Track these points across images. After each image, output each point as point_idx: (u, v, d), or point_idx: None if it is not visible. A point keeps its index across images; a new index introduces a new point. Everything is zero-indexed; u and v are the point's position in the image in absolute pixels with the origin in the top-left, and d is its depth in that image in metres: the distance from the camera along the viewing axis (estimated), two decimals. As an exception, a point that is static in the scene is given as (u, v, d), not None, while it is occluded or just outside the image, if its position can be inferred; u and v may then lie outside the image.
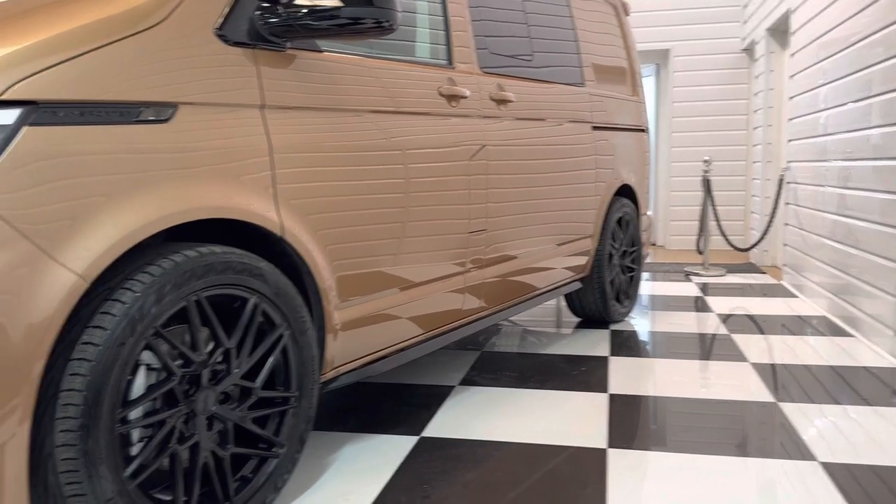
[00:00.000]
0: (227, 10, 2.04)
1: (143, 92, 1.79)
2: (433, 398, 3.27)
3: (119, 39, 1.77)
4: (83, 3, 1.81)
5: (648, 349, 4.10)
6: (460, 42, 3.09)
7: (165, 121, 1.84)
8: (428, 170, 2.77)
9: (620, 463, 2.55)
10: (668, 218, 8.89)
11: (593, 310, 4.61)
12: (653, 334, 4.48)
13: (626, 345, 4.20)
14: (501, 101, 3.29)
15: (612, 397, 3.25)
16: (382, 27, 2.19)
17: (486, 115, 3.18)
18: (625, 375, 3.58)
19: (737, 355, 3.95)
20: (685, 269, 6.98)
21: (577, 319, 4.87)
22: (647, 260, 7.63)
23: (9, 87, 1.56)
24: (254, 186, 2.05)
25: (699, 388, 3.38)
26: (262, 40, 2.12)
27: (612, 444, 2.71)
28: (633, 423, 2.94)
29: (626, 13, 5.20)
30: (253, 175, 2.05)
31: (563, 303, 5.35)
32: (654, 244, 9.15)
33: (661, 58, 9.14)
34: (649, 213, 5.48)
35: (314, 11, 2.10)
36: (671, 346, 4.18)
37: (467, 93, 3.02)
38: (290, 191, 2.18)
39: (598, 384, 3.45)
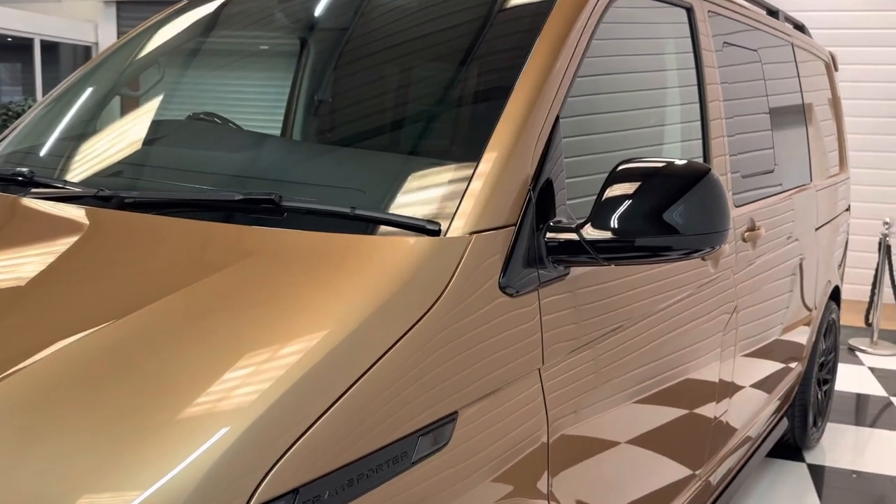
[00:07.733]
0: (509, 247, 1.41)
1: (420, 417, 1.19)
2: None
3: (383, 356, 1.16)
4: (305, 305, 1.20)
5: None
6: (718, 171, 2.37)
7: (444, 446, 1.23)
8: (685, 369, 2.11)
9: None
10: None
11: (786, 438, 3.88)
12: (861, 479, 3.71)
13: None
14: (752, 240, 2.59)
15: None
16: (696, 253, 1.53)
17: (739, 264, 2.47)
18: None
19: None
20: (849, 341, 6.13)
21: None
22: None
23: None
24: (528, 484, 1.45)
25: None
26: (542, 269, 1.49)
27: None
28: None
29: (836, 69, 4.34)
30: (528, 473, 1.44)
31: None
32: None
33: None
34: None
35: (617, 246, 1.44)
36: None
37: (727, 246, 2.33)
38: (564, 473, 1.57)
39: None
